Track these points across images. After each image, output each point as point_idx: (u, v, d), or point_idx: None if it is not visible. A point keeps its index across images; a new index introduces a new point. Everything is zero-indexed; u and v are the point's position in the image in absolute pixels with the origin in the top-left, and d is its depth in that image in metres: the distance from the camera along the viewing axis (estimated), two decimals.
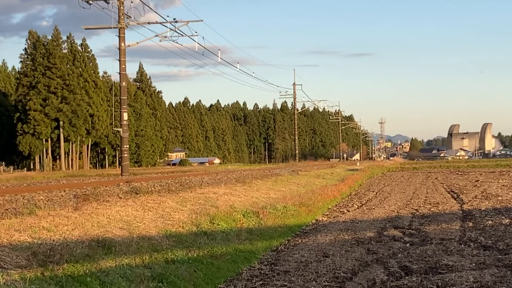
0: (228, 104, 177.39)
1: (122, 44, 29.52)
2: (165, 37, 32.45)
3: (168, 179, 20.31)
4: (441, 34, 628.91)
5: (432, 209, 20.06)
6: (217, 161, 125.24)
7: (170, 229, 11.70)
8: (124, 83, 30.18)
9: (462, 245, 11.95)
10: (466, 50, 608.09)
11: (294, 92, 70.73)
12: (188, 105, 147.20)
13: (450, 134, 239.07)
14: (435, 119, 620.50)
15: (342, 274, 9.49)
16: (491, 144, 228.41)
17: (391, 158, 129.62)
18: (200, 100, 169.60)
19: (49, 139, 78.71)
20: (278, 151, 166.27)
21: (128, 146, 30.73)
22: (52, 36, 79.85)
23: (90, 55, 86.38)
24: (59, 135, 78.51)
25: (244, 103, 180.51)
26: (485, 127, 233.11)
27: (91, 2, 29.18)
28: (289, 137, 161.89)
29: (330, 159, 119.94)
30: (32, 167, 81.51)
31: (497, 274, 9.10)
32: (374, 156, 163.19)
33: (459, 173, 51.06)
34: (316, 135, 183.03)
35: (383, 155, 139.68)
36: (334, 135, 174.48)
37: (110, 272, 8.10)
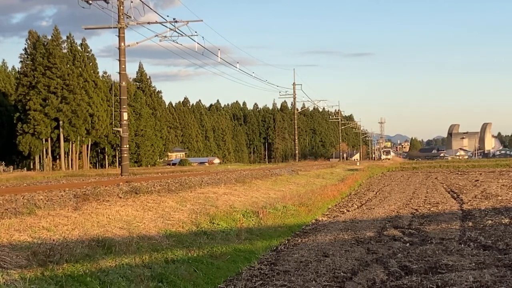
0: (228, 104, 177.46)
1: (122, 44, 29.53)
2: (165, 37, 32.48)
3: (168, 179, 20.32)
4: (441, 34, 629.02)
5: (432, 209, 20.06)
6: (217, 161, 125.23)
7: (170, 229, 11.70)
8: (124, 83, 30.19)
9: (462, 245, 11.95)
10: (466, 50, 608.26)
11: (294, 92, 70.78)
12: (188, 105, 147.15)
13: (450, 134, 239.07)
14: (435, 119, 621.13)
15: (342, 273, 9.49)
16: (490, 144, 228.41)
17: (385, 157, 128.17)
18: (200, 100, 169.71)
19: (49, 139, 78.70)
20: (278, 151, 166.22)
21: (128, 146, 30.74)
22: (52, 36, 79.84)
23: (90, 55, 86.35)
24: (59, 135, 78.50)
25: (244, 103, 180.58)
26: (484, 127, 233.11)
27: (90, 2, 29.18)
28: (289, 137, 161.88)
29: (330, 159, 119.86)
30: (32, 167, 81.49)
31: (497, 273, 9.10)
32: (374, 156, 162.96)
33: (459, 173, 51.08)
34: (316, 135, 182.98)
35: (382, 155, 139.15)
36: (334, 135, 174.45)
37: (110, 272, 8.10)
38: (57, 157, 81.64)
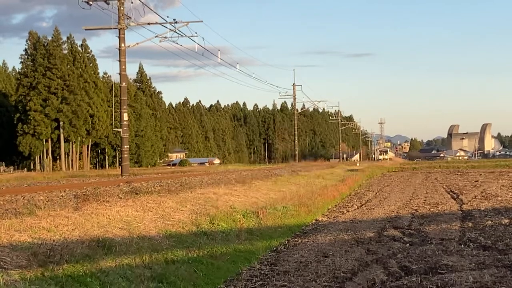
0: (228, 105, 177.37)
1: (122, 45, 29.59)
2: (165, 37, 32.58)
3: (168, 179, 20.34)
4: (441, 35, 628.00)
5: (431, 209, 20.07)
6: (217, 161, 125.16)
7: (170, 229, 11.72)
8: (124, 83, 30.24)
9: (462, 245, 11.96)
10: (466, 50, 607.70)
11: (294, 92, 70.83)
12: (188, 105, 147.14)
13: (449, 135, 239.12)
14: (435, 119, 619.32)
15: (341, 274, 9.50)
16: (490, 145, 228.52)
17: (383, 157, 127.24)
18: (200, 101, 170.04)
19: (49, 140, 78.73)
20: (278, 152, 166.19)
21: (128, 146, 30.79)
22: (52, 37, 79.89)
23: (90, 56, 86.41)
24: (59, 136, 78.53)
25: (244, 104, 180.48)
26: (484, 127, 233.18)
27: (91, 2, 29.26)
28: (289, 137, 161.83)
29: (330, 160, 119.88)
30: (32, 167, 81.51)
31: (497, 274, 9.11)
32: (374, 156, 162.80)
33: (459, 174, 51.09)
34: (316, 136, 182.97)
35: (380, 155, 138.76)
36: (334, 136, 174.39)
37: (110, 272, 8.12)
38: (58, 157, 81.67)
